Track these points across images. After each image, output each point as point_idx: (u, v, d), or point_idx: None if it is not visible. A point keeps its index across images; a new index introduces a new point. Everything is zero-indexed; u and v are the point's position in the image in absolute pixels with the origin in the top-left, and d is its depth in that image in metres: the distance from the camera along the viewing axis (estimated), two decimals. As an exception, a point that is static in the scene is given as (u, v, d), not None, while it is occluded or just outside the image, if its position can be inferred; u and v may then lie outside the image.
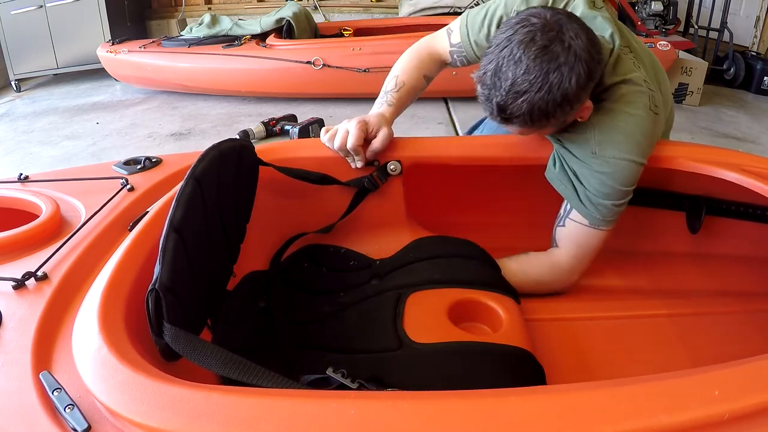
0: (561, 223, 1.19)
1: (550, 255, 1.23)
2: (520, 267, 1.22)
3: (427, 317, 1.02)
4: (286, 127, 2.93)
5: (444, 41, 1.28)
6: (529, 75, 0.93)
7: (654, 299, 1.25)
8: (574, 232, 1.17)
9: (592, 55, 0.96)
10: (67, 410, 0.65)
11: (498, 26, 1.17)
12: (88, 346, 0.70)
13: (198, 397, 0.62)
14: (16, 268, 0.91)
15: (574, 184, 1.12)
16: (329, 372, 0.77)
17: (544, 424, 0.59)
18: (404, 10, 4.52)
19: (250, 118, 3.32)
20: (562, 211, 1.19)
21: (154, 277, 0.74)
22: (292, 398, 0.62)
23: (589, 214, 1.12)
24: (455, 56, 1.27)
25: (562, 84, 0.94)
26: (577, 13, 1.08)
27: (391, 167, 1.20)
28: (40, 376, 0.71)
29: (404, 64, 1.29)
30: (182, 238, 0.80)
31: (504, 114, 0.98)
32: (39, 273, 0.90)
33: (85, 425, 0.63)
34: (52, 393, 0.68)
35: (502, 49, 0.96)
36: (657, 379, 0.64)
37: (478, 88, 1.00)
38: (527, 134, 1.12)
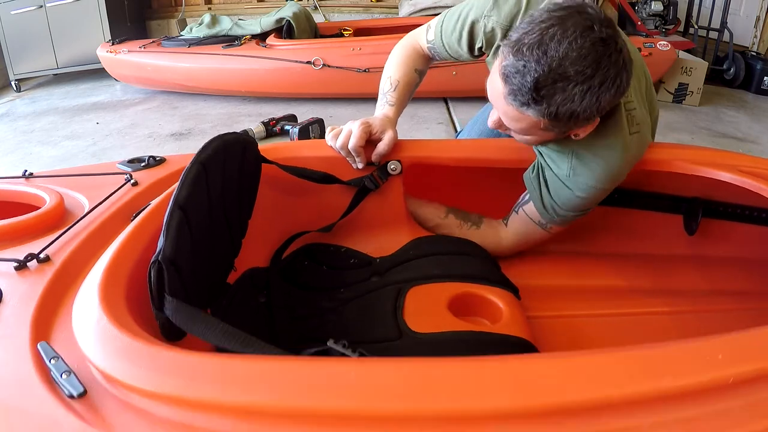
0: (516, 210, 1.25)
1: (498, 230, 1.28)
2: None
3: (428, 309, 1.02)
4: (286, 127, 2.93)
5: (422, 37, 1.29)
6: (582, 61, 0.84)
7: (653, 299, 1.25)
8: (522, 223, 1.23)
9: (630, 70, 0.91)
10: (64, 377, 0.65)
11: (471, 30, 1.16)
12: (88, 317, 0.70)
13: (194, 360, 0.61)
14: (19, 252, 0.92)
15: (541, 192, 1.16)
16: (330, 343, 0.76)
17: (549, 386, 0.59)
18: (404, 10, 4.52)
19: (250, 118, 3.32)
20: (520, 198, 1.23)
21: (157, 250, 0.74)
22: (291, 362, 0.62)
23: (547, 215, 1.17)
24: (432, 52, 1.29)
25: (602, 88, 0.87)
26: None
27: (392, 167, 1.21)
28: (38, 345, 0.71)
29: (393, 63, 1.30)
30: (186, 216, 0.81)
31: (537, 94, 0.87)
32: (41, 255, 0.91)
33: (81, 389, 0.63)
34: (49, 361, 0.68)
35: (550, 27, 0.86)
36: (662, 345, 0.64)
37: (510, 58, 0.89)
38: (520, 133, 1.02)
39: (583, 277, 1.32)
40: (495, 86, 0.95)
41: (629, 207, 1.36)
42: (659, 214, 1.36)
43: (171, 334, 0.76)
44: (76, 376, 0.65)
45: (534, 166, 1.18)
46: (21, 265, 0.88)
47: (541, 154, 1.15)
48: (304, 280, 1.15)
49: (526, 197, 1.21)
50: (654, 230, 1.37)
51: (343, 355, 0.74)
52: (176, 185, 0.85)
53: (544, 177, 1.15)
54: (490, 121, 1.06)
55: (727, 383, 0.59)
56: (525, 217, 1.22)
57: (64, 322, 0.76)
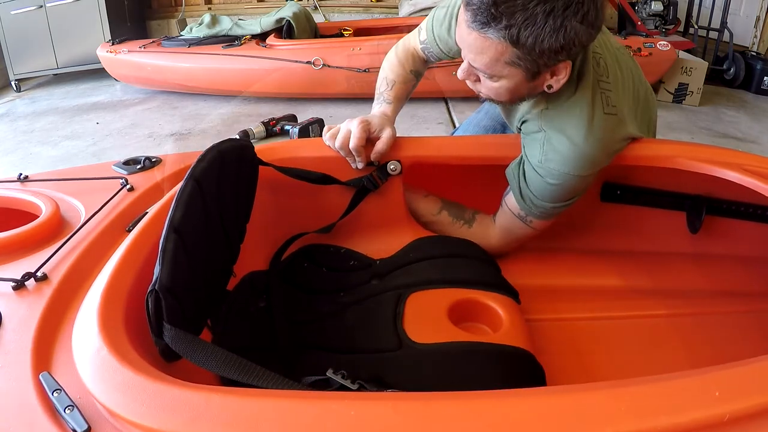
0: (501, 203, 1.23)
1: (488, 227, 1.27)
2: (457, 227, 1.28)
3: (427, 317, 1.01)
4: (286, 127, 2.93)
5: (415, 39, 1.30)
6: None
7: (654, 299, 1.24)
8: (505, 217, 1.22)
9: (600, 7, 0.89)
10: (67, 411, 0.65)
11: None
12: (87, 347, 0.70)
13: (198, 398, 0.61)
14: (16, 269, 0.91)
15: (520, 182, 1.14)
16: (329, 374, 0.77)
17: (544, 426, 0.59)
18: (404, 10, 4.52)
19: (250, 118, 3.32)
20: (505, 191, 1.22)
21: (154, 277, 0.74)
22: (292, 399, 0.62)
23: (525, 206, 1.15)
24: (426, 52, 1.29)
25: (568, 11, 0.84)
26: None
27: (391, 167, 1.20)
28: (40, 377, 0.70)
29: (389, 65, 1.30)
30: (182, 239, 0.80)
31: (496, 9, 0.85)
32: (39, 273, 0.90)
33: (85, 426, 0.63)
34: (52, 394, 0.68)
35: None
36: (657, 380, 0.64)
37: None
38: (487, 71, 0.97)
39: (583, 276, 1.31)
40: (460, 23, 0.95)
41: (631, 204, 1.35)
42: (661, 211, 1.35)
43: (171, 357, 0.76)
44: (80, 411, 0.65)
45: (518, 158, 1.17)
46: (19, 285, 0.88)
47: (524, 146, 1.15)
48: (303, 282, 1.15)
49: (509, 189, 1.20)
50: (656, 228, 1.37)
51: (342, 386, 0.75)
52: (174, 189, 0.85)
53: (523, 168, 1.14)
54: (459, 71, 1.03)
55: (722, 421, 0.59)
56: (507, 210, 1.20)
57: (64, 349, 0.76)
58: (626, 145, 1.13)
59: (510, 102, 1.07)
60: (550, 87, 1.00)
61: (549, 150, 1.07)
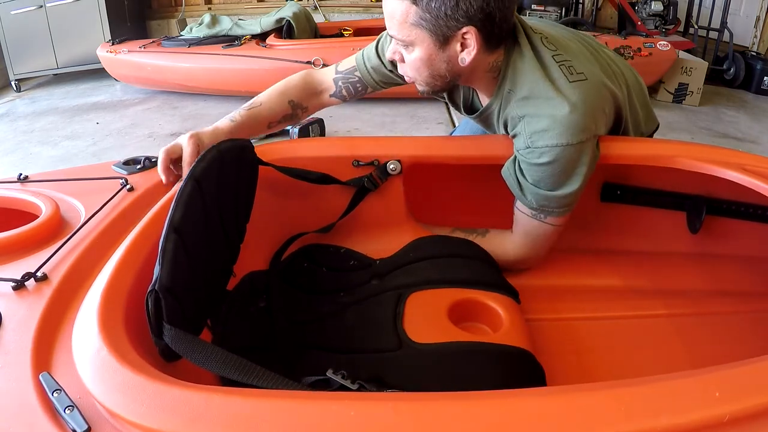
0: (514, 211, 1.21)
1: (504, 237, 1.24)
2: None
3: (427, 317, 1.02)
4: (286, 127, 2.93)
5: (329, 70, 1.33)
6: None
7: (654, 299, 1.24)
8: (520, 222, 1.19)
9: None
10: (67, 411, 0.65)
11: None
12: (87, 347, 0.70)
13: (198, 398, 0.61)
14: (16, 269, 0.91)
15: (518, 178, 1.12)
16: (329, 374, 0.77)
17: (544, 426, 0.59)
18: (404, 10, 4.52)
19: (250, 118, 3.32)
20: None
21: (154, 278, 0.74)
22: (292, 400, 0.62)
23: (529, 204, 1.13)
24: (340, 83, 1.30)
25: None
26: None
27: (391, 167, 1.20)
28: (40, 377, 0.70)
29: (270, 88, 1.34)
30: (182, 239, 0.80)
31: None
32: (39, 273, 0.89)
33: (85, 426, 0.63)
34: (52, 394, 0.67)
35: None
36: (657, 380, 0.64)
37: None
38: (400, 37, 1.03)
39: (583, 277, 1.31)
40: None
41: (631, 204, 1.35)
42: (661, 211, 1.35)
43: (171, 357, 0.76)
44: (80, 412, 0.65)
45: (511, 157, 1.14)
46: (19, 285, 0.87)
47: (514, 145, 1.13)
48: (303, 282, 1.15)
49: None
50: (656, 228, 1.37)
51: (342, 386, 0.75)
52: (174, 189, 0.84)
53: (518, 165, 1.11)
54: (387, 52, 1.10)
55: (722, 421, 0.59)
56: (519, 214, 1.18)
57: (64, 349, 0.76)
58: (613, 106, 1.11)
59: (433, 81, 1.09)
60: (463, 61, 1.02)
61: (531, 132, 1.04)
